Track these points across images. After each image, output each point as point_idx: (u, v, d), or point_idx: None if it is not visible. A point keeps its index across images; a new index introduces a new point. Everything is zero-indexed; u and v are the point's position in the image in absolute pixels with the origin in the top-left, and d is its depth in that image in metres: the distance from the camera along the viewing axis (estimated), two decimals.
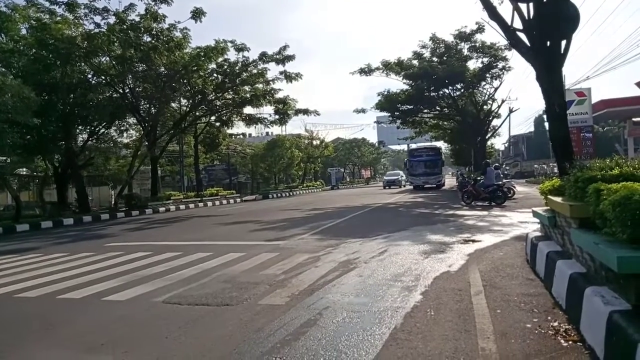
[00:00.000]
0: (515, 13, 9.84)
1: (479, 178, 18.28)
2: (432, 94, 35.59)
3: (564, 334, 3.64)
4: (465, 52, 33.33)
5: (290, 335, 4.00)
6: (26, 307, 5.43)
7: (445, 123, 44.92)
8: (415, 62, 34.19)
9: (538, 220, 7.16)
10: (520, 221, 11.31)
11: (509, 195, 17.85)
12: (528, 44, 9.66)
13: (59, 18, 21.02)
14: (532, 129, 62.36)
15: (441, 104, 38.61)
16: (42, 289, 6.26)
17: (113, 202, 26.24)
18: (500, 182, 17.71)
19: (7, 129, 16.02)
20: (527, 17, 9.65)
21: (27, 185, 29.05)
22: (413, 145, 50.12)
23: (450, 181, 50.40)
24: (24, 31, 21.02)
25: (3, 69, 18.80)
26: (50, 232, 15.49)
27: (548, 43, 9.26)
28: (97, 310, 5.27)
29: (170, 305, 5.24)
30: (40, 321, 4.90)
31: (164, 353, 3.81)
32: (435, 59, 33.89)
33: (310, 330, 4.09)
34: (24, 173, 27.51)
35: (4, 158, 20.43)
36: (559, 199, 5.44)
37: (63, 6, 21.00)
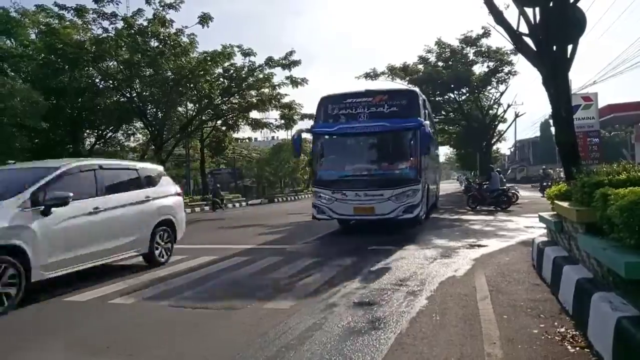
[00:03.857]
0: (521, 17, 9.82)
1: (484, 183, 18.27)
2: (437, 99, 35.50)
3: (571, 340, 3.62)
4: (471, 56, 33.27)
5: (295, 339, 3.99)
6: (32, 309, 5.45)
7: (451, 127, 44.79)
8: (420, 66, 34.19)
9: (544, 225, 7.13)
10: (526, 226, 11.26)
11: (513, 200, 17.85)
12: (534, 48, 9.63)
13: (67, 23, 21.22)
14: (538, 133, 62.09)
15: (446, 108, 38.53)
16: (47, 292, 6.29)
17: None
18: (505, 187, 17.75)
19: (16, 132, 16.21)
20: (533, 22, 9.62)
21: None
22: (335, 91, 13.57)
23: (449, 186, 49.21)
24: (33, 36, 21.27)
25: (12, 74, 19.03)
26: None
27: (554, 47, 9.23)
28: (102, 313, 5.29)
29: (175, 308, 5.25)
30: (45, 323, 4.93)
31: (169, 356, 3.83)
32: (440, 63, 33.85)
33: (315, 334, 4.08)
34: None
35: (13, 161, 20.58)
36: (565, 204, 5.42)
37: (72, 11, 21.20)
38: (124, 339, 4.29)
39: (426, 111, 11.58)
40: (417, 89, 11.52)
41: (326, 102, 11.49)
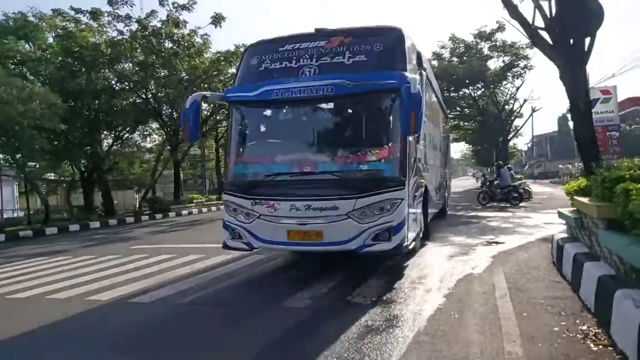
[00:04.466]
0: (537, 11, 9.68)
1: (495, 181, 18.09)
2: (452, 95, 35.23)
3: (593, 338, 3.57)
4: (486, 51, 32.97)
5: (312, 337, 4.01)
6: (56, 308, 5.57)
7: (466, 124, 44.43)
8: (434, 62, 33.96)
9: (564, 222, 7.03)
10: (545, 222, 11.11)
11: (524, 196, 17.67)
12: (550, 42, 9.48)
13: (83, 26, 21.57)
14: (556, 128, 61.19)
15: (461, 104, 38.27)
16: (71, 291, 6.42)
17: (137, 206, 26.70)
18: (516, 183, 17.63)
19: (36, 135, 16.52)
20: (549, 15, 9.48)
21: (55, 190, 29.81)
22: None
23: (465, 183, 48.54)
24: (50, 40, 21.63)
25: (31, 77, 19.38)
26: (77, 235, 15.86)
27: (571, 41, 9.07)
28: (124, 311, 5.38)
29: (194, 307, 5.31)
30: (69, 322, 5.02)
31: (189, 355, 3.87)
32: (455, 58, 33.63)
33: (332, 332, 4.09)
34: (52, 178, 28.24)
35: (34, 163, 21.02)
36: (585, 200, 5.34)
37: (87, 14, 21.56)
38: (145, 338, 4.36)
39: (423, 71, 6.85)
40: (402, 28, 6.54)
41: (253, 53, 7.03)
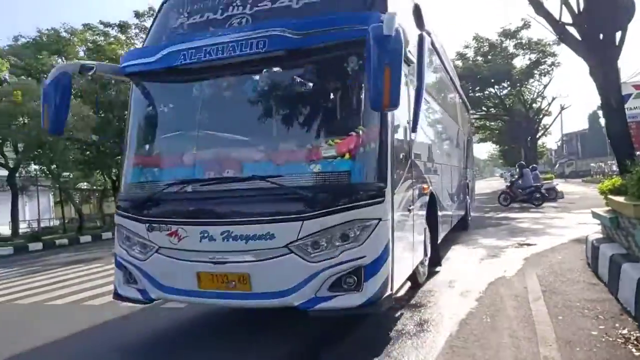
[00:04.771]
0: (564, 7, 9.49)
1: (518, 181, 17.72)
2: (477, 94, 34.72)
3: (635, 343, 3.45)
4: (511, 49, 32.41)
5: (343, 342, 4.01)
6: (94, 314, 5.74)
7: (493, 123, 43.68)
8: (459, 62, 33.56)
9: (598, 222, 6.84)
10: (578, 223, 10.80)
11: (549, 197, 17.20)
12: (579, 38, 9.28)
13: (112, 39, 22.26)
14: (586, 125, 59.53)
15: (487, 104, 37.67)
16: (106, 297, 6.57)
17: None
18: (539, 184, 17.19)
19: (70, 146, 17.13)
20: (576, 11, 9.27)
21: (88, 199, 30.70)
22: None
23: (493, 184, 47.59)
24: (81, 53, 22.41)
25: None
26: (110, 243, 16.21)
27: (601, 36, 8.85)
28: (157, 317, 5.49)
29: (224, 312, 5.38)
30: (104, 327, 5.18)
31: (228, 356, 3.93)
32: (479, 58, 33.16)
33: (363, 337, 4.09)
34: (85, 187, 29.12)
35: (67, 173, 21.74)
36: (621, 199, 5.19)
37: (116, 28, 22.26)
38: (178, 343, 4.44)
39: (424, 34, 4.35)
40: None
41: (170, 7, 4.89)
